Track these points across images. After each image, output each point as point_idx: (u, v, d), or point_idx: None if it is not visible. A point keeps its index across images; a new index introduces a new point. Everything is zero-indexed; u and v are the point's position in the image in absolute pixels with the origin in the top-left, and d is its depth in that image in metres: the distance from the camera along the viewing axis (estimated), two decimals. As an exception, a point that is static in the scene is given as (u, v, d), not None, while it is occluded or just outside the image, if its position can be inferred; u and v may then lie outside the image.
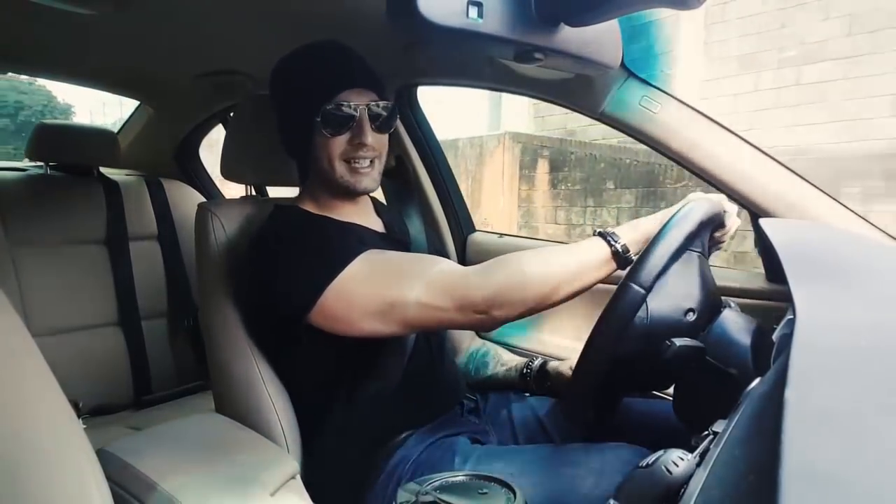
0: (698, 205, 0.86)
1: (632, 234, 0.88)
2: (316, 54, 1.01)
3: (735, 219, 0.94)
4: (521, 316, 0.85)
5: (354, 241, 0.96)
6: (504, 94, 5.27)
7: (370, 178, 1.01)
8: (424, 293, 0.85)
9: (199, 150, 2.14)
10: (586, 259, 0.87)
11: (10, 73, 1.72)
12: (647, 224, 0.89)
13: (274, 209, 1.05)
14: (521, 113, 6.64)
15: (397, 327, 0.87)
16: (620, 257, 0.86)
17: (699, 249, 0.87)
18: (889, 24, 4.17)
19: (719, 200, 0.92)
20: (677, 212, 0.85)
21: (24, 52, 1.47)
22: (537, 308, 0.85)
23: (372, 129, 0.98)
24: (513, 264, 0.86)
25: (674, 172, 4.45)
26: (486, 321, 0.85)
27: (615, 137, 4.80)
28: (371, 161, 1.00)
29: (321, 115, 0.96)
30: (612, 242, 0.87)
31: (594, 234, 0.89)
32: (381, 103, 1.00)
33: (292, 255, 0.92)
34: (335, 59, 1.00)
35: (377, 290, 0.87)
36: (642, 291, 0.79)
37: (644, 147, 1.13)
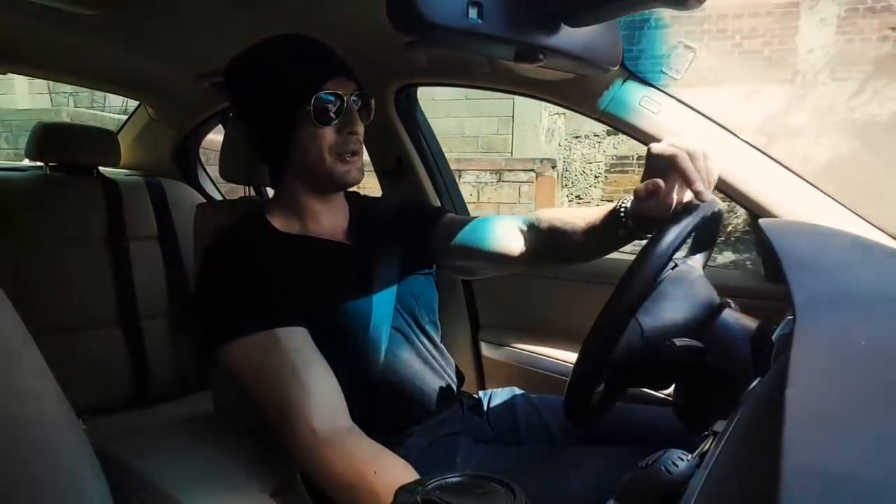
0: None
1: None
2: (292, 45, 0.99)
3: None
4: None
5: (288, 295, 0.93)
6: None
7: (357, 168, 1.01)
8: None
9: (199, 150, 2.14)
10: None
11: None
12: None
13: (237, 223, 1.03)
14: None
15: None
16: None
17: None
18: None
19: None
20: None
21: (24, 52, 1.47)
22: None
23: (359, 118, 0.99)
24: (353, 469, 0.82)
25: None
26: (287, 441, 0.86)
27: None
28: (356, 151, 1.01)
29: (312, 104, 0.93)
30: None
31: None
32: (362, 92, 1.00)
33: (222, 291, 0.93)
34: (315, 49, 0.99)
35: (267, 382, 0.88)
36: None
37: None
